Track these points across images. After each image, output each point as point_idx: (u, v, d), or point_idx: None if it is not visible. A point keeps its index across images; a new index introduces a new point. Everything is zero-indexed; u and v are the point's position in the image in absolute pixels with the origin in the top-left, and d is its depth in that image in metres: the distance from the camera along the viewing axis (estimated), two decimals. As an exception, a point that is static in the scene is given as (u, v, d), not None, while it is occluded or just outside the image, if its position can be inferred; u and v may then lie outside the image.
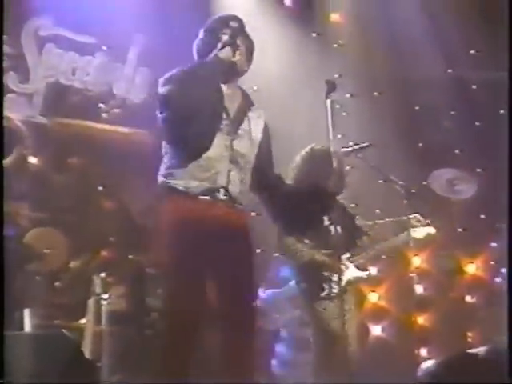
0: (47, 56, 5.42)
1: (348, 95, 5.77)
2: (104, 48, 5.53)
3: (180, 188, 2.90)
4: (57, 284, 4.98)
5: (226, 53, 3.01)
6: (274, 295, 4.94)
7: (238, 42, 3.04)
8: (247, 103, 3.10)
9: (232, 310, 2.91)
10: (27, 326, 4.45)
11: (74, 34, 5.46)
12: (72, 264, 5.02)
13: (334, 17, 6.45)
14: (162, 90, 2.95)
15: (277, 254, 4.33)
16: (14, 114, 5.15)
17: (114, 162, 5.40)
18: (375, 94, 6.19)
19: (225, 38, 3.02)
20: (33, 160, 5.25)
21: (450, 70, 6.27)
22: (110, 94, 5.65)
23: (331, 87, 3.37)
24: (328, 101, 3.28)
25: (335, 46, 6.22)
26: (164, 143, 3.06)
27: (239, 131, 3.01)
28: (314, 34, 6.23)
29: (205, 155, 2.91)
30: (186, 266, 2.85)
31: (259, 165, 3.07)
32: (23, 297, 4.61)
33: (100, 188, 5.46)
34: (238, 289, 2.92)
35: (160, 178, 2.99)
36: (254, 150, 3.04)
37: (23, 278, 4.70)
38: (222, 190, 2.94)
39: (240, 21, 3.11)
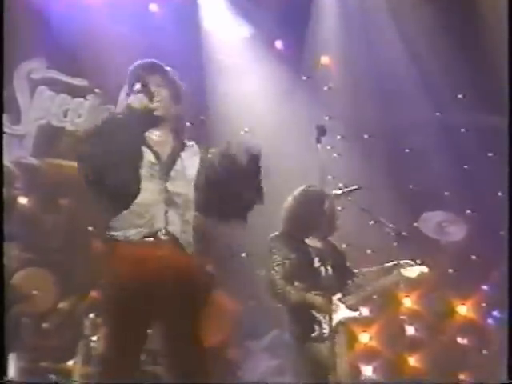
0: (39, 98, 5.46)
1: (339, 137, 5.83)
2: (96, 90, 5.57)
3: (120, 238, 2.94)
4: (44, 325, 4.91)
5: (138, 100, 3.02)
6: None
7: (153, 88, 3.04)
8: (180, 145, 3.11)
9: (180, 350, 2.92)
10: (12, 371, 4.38)
11: (66, 77, 5.51)
12: (60, 305, 4.96)
13: (324, 60, 6.55)
14: (77, 149, 3.01)
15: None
16: (5, 156, 5.16)
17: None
18: (365, 136, 6.26)
19: (137, 86, 3.03)
20: (23, 200, 5.24)
21: (438, 114, 6.36)
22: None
23: (321, 132, 3.41)
24: (319, 145, 3.31)
25: (325, 88, 6.31)
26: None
27: (172, 173, 3.02)
28: (304, 77, 6.32)
29: (139, 202, 2.95)
30: (132, 310, 2.87)
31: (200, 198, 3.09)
32: (9, 339, 4.55)
33: (90, 229, 5.44)
34: (185, 329, 2.92)
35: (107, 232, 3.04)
36: (190, 188, 3.05)
37: (10, 319, 4.65)
38: (162, 230, 2.95)
39: (157, 67, 3.11)
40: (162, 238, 2.94)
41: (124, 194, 2.94)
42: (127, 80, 3.11)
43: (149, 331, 2.94)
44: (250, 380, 5.24)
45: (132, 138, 2.99)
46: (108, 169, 2.89)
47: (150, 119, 3.06)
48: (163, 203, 2.96)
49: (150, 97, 3.03)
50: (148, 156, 3.00)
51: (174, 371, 2.92)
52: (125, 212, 2.94)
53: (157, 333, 2.96)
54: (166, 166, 3.02)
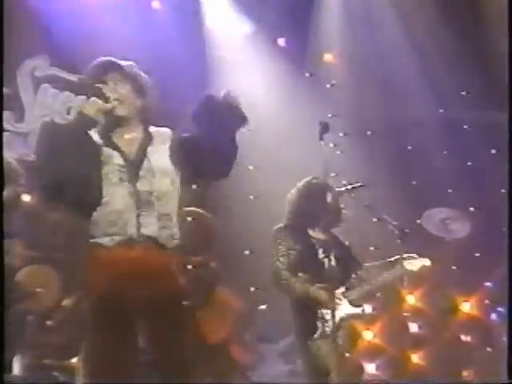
0: (42, 96, 5.47)
1: (341, 134, 5.82)
2: (99, 87, 5.57)
3: (101, 243, 2.93)
4: (48, 323, 4.92)
5: (90, 106, 2.96)
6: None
7: (105, 90, 2.97)
8: (146, 141, 3.05)
9: (161, 349, 2.92)
10: (16, 368, 4.40)
11: (70, 74, 5.52)
12: (64, 302, 4.97)
13: (327, 57, 6.55)
14: (39, 161, 2.98)
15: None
16: (9, 153, 5.17)
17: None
18: (368, 133, 6.25)
19: (91, 90, 2.97)
20: (26, 198, 5.24)
21: (441, 110, 6.35)
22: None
23: (324, 128, 3.41)
24: (322, 142, 3.31)
25: (328, 86, 6.30)
26: None
27: (140, 172, 2.98)
28: (307, 74, 6.31)
29: (111, 209, 2.93)
30: (114, 316, 2.88)
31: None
32: (14, 337, 4.56)
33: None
34: (167, 328, 2.92)
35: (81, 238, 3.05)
36: (163, 181, 3.00)
37: (14, 317, 4.66)
38: (135, 235, 2.94)
39: (112, 65, 3.05)
40: (136, 241, 2.92)
41: (87, 203, 2.93)
42: (86, 82, 3.05)
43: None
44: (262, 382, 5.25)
45: (89, 144, 2.94)
46: (68, 180, 2.86)
47: (111, 120, 3.01)
48: (135, 207, 2.94)
49: (105, 98, 2.96)
50: (115, 159, 2.97)
51: (158, 370, 2.94)
52: (98, 220, 2.93)
53: (142, 333, 2.96)
54: (134, 166, 2.98)
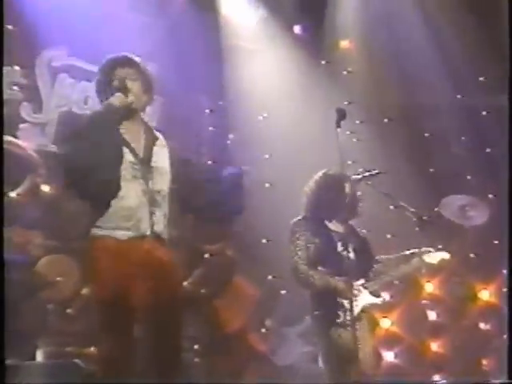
0: (60, 86, 5.49)
1: (358, 122, 5.79)
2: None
3: (109, 236, 3.03)
4: (69, 311, 4.98)
5: (117, 98, 3.08)
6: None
7: (129, 84, 3.10)
8: (152, 137, 3.19)
9: (161, 343, 3.03)
10: (39, 355, 4.45)
11: (87, 64, 5.53)
12: (84, 291, 5.02)
13: (343, 44, 6.51)
14: (61, 150, 3.11)
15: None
16: (28, 144, 5.21)
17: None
18: (385, 120, 6.21)
19: (115, 83, 3.09)
20: (45, 188, 5.28)
21: (459, 96, 6.29)
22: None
23: (342, 115, 3.39)
24: (338, 129, 3.29)
25: (345, 73, 6.27)
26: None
27: (151, 168, 3.11)
28: (323, 62, 6.29)
29: (125, 205, 3.03)
30: (116, 305, 2.98)
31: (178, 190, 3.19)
32: (35, 325, 4.62)
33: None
34: (165, 321, 3.04)
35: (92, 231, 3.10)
36: (165, 183, 3.14)
37: (35, 306, 4.71)
38: (148, 232, 3.07)
39: (129, 61, 3.18)
40: (148, 237, 3.05)
41: (105, 196, 3.01)
42: (99, 75, 3.17)
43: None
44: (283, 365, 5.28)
45: (113, 138, 3.04)
46: (90, 170, 2.95)
47: (128, 113, 3.13)
48: (148, 204, 3.06)
49: (126, 93, 3.09)
50: (127, 156, 3.07)
51: (154, 362, 3.03)
52: (111, 213, 3.02)
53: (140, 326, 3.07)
54: (145, 165, 3.09)
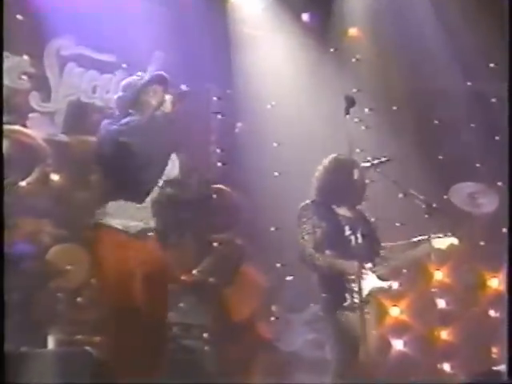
0: (68, 75, 5.50)
1: (367, 110, 5.77)
2: (124, 66, 5.59)
3: (119, 227, 3.27)
4: (79, 300, 5.01)
5: (167, 108, 3.49)
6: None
7: (166, 97, 3.51)
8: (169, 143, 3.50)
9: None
10: (50, 343, 4.49)
11: (95, 53, 5.54)
12: (93, 280, 5.05)
13: (352, 32, 6.47)
14: (122, 138, 3.29)
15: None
16: (37, 133, 5.22)
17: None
18: (394, 108, 6.18)
19: (167, 97, 3.50)
20: (55, 177, 5.30)
21: (469, 83, 6.25)
22: (130, 111, 5.70)
23: (350, 103, 3.38)
24: (347, 116, 3.28)
25: (353, 60, 6.23)
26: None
27: (166, 172, 3.45)
28: (331, 49, 6.26)
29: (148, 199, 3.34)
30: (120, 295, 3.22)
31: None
32: (46, 313, 4.65)
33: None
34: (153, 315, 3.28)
35: (96, 216, 3.33)
36: (176, 189, 3.58)
37: (45, 294, 4.75)
38: (153, 229, 3.39)
39: (165, 78, 3.59)
40: (149, 234, 3.35)
41: (140, 192, 3.31)
42: (140, 89, 3.51)
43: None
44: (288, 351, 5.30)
45: (161, 141, 3.36)
46: (140, 164, 3.23)
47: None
48: (160, 204, 3.37)
49: (160, 103, 3.48)
50: (164, 158, 3.47)
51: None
52: (132, 205, 3.28)
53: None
54: (161, 167, 3.42)
